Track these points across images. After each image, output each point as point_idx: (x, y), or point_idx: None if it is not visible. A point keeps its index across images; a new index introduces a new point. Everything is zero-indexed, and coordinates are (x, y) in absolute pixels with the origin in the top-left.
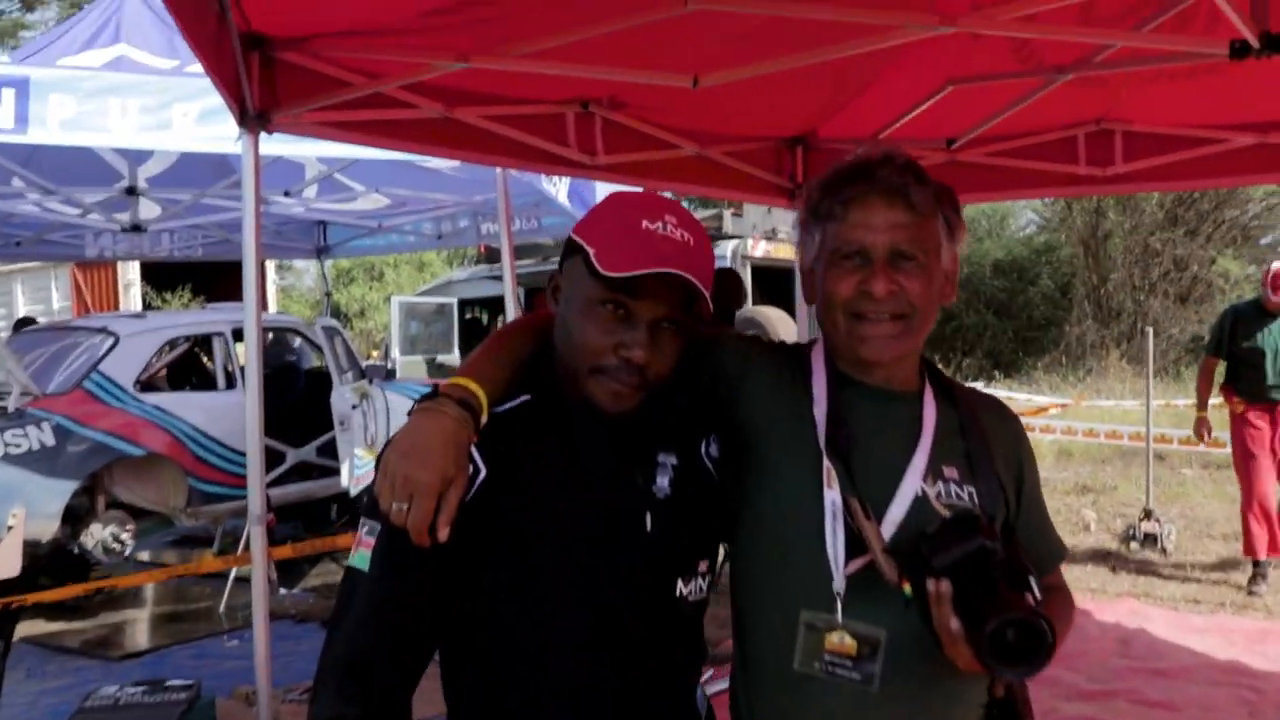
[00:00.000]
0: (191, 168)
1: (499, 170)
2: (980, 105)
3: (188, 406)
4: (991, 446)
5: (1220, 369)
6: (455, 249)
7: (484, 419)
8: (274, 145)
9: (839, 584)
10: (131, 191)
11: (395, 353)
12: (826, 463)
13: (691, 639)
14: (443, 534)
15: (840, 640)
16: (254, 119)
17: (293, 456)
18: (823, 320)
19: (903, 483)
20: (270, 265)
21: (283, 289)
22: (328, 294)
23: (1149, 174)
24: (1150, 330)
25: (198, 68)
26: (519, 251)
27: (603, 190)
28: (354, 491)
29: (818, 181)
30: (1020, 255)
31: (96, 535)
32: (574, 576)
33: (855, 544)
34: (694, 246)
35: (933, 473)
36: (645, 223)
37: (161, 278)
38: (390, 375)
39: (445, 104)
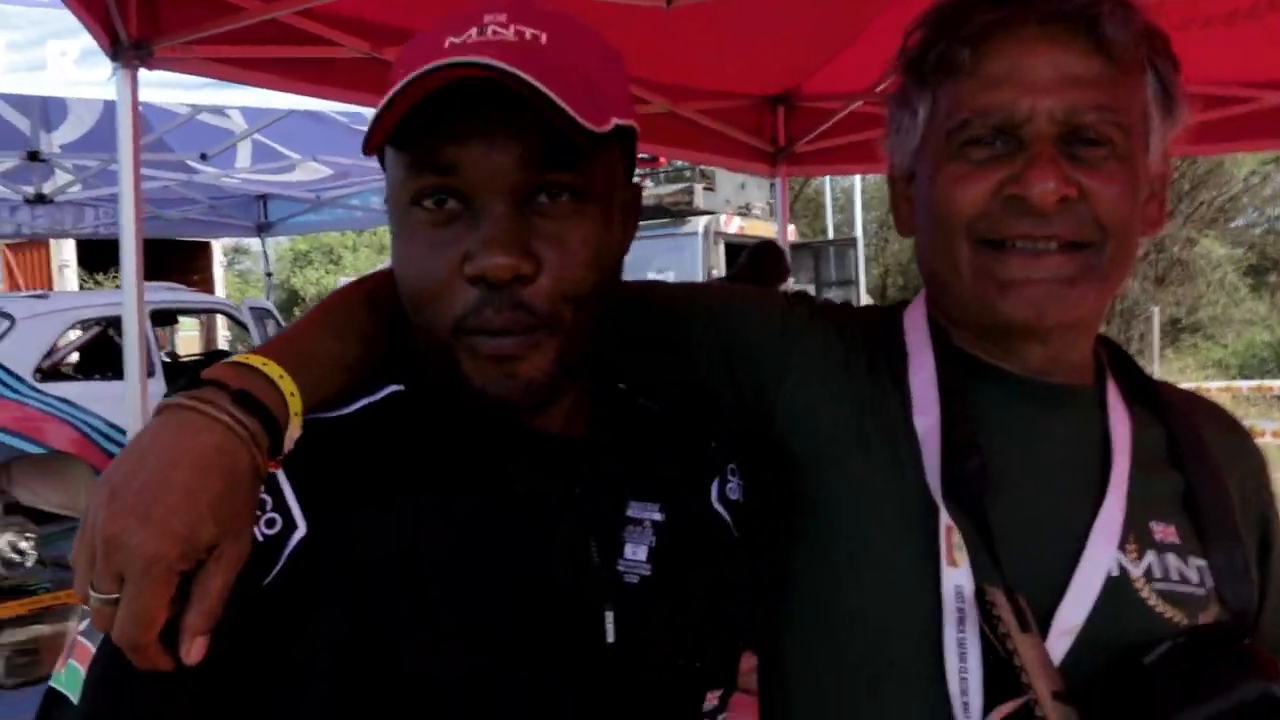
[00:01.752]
0: (109, 132)
1: None
2: None
3: (98, 398)
4: (1227, 486)
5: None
6: None
7: (293, 429)
8: (164, 91)
9: None
10: (35, 157)
11: None
12: (944, 518)
13: None
14: (190, 652)
15: None
16: (129, 50)
17: None
18: (929, 259)
19: (1084, 556)
20: (218, 247)
21: (238, 273)
22: (269, 274)
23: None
24: (1155, 311)
25: None
26: None
27: None
28: None
29: (928, 12)
30: None
31: None
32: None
33: (1000, 672)
34: (547, 44)
35: (1135, 535)
36: (450, 38)
37: (98, 258)
38: None
39: (372, 43)
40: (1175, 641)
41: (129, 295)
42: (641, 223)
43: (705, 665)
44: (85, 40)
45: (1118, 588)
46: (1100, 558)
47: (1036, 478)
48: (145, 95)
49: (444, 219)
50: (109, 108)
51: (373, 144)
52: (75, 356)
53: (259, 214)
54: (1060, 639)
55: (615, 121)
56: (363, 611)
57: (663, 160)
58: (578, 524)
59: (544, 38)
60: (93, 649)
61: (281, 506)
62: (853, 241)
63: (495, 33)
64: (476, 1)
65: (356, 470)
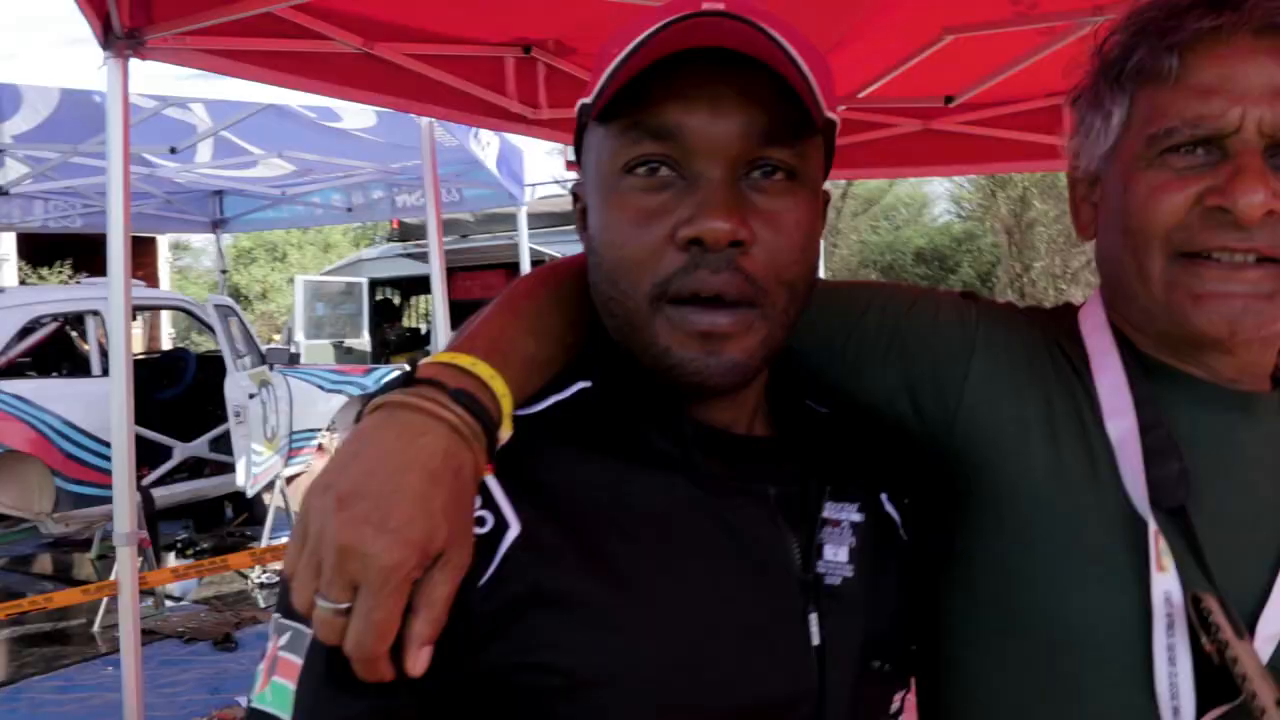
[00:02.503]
0: (65, 124)
1: (425, 122)
2: (980, 61)
3: (55, 396)
4: None
5: None
6: (363, 229)
7: (504, 431)
8: (149, 83)
9: None
10: None
11: (299, 336)
12: (1153, 525)
13: None
14: (416, 663)
15: None
16: (122, 39)
17: (180, 452)
18: (1115, 265)
19: None
20: (163, 242)
21: (179, 269)
22: (224, 271)
23: None
24: None
25: None
26: None
27: (534, 162)
28: (251, 491)
29: (1126, 18)
30: (941, 244)
31: None
32: None
33: (1211, 678)
34: (777, 28)
35: None
36: (667, 19)
37: (39, 252)
38: (294, 360)
39: (364, 37)
40: None
41: (116, 290)
42: None
43: (894, 667)
44: (63, 30)
45: None
46: None
47: (1232, 483)
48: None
49: (656, 186)
50: (66, 97)
51: (599, 106)
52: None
53: (214, 210)
54: (1265, 645)
55: (829, 114)
56: (572, 616)
57: None
58: (782, 519)
59: (765, 24)
60: (297, 662)
61: (491, 504)
62: None
63: (718, 11)
64: None
65: (554, 467)
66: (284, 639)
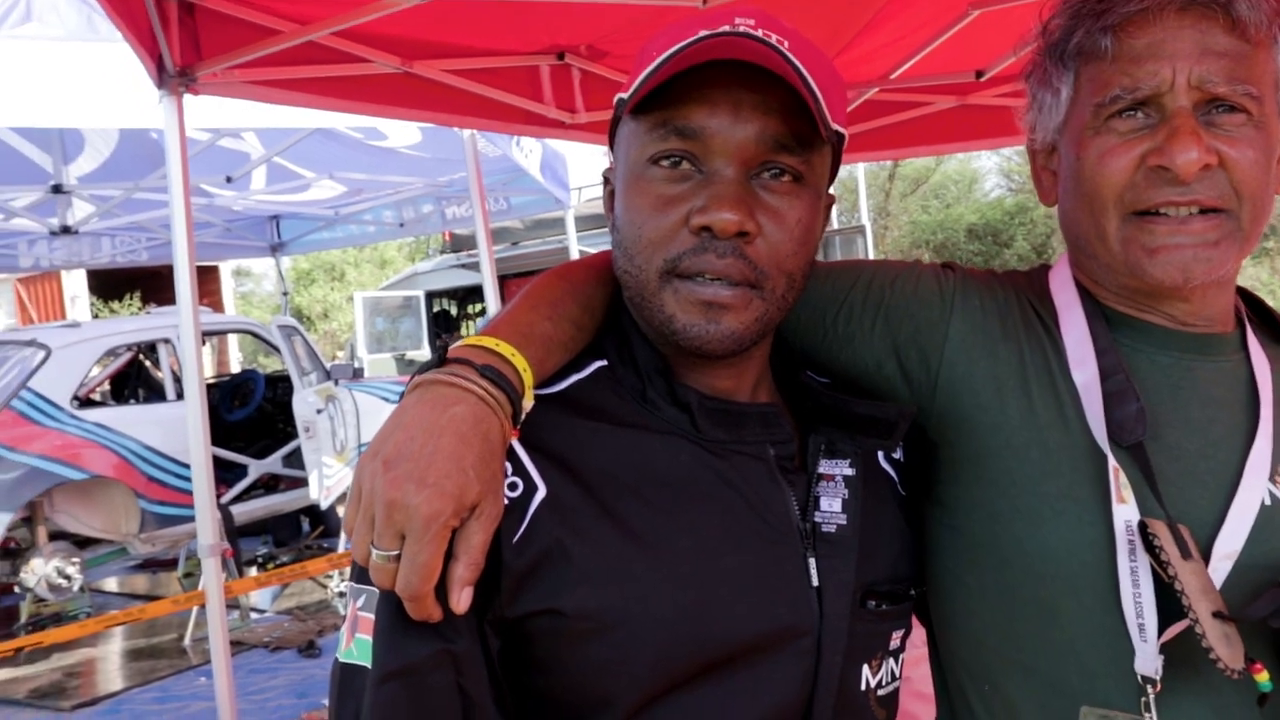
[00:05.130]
0: (125, 162)
1: (467, 134)
2: (1008, 34)
3: (134, 422)
4: None
5: None
6: (417, 243)
7: (527, 400)
8: (203, 116)
9: (1150, 664)
10: (58, 190)
11: (361, 351)
12: (1111, 461)
13: None
14: (460, 602)
15: None
16: (175, 78)
17: (255, 469)
18: (1075, 227)
19: (1240, 489)
20: (226, 270)
21: (242, 295)
22: (285, 293)
23: None
24: None
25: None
26: None
27: (577, 164)
28: (325, 503)
29: (1064, 2)
30: (993, 218)
31: (39, 571)
32: (692, 681)
33: (1165, 598)
34: (792, 46)
35: None
36: (704, 30)
37: (109, 287)
38: (358, 375)
39: (402, 57)
40: None
41: (185, 317)
42: None
43: (891, 607)
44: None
45: (1271, 515)
46: (1254, 489)
47: (1189, 419)
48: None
49: (678, 177)
50: (125, 137)
51: (636, 100)
52: (108, 383)
53: (272, 234)
54: (1221, 564)
55: (837, 127)
56: (596, 572)
57: None
58: (779, 475)
59: (786, 43)
60: (370, 618)
61: (521, 471)
62: (860, 229)
63: (746, 32)
64: (724, 7)
65: (575, 436)
66: (360, 600)
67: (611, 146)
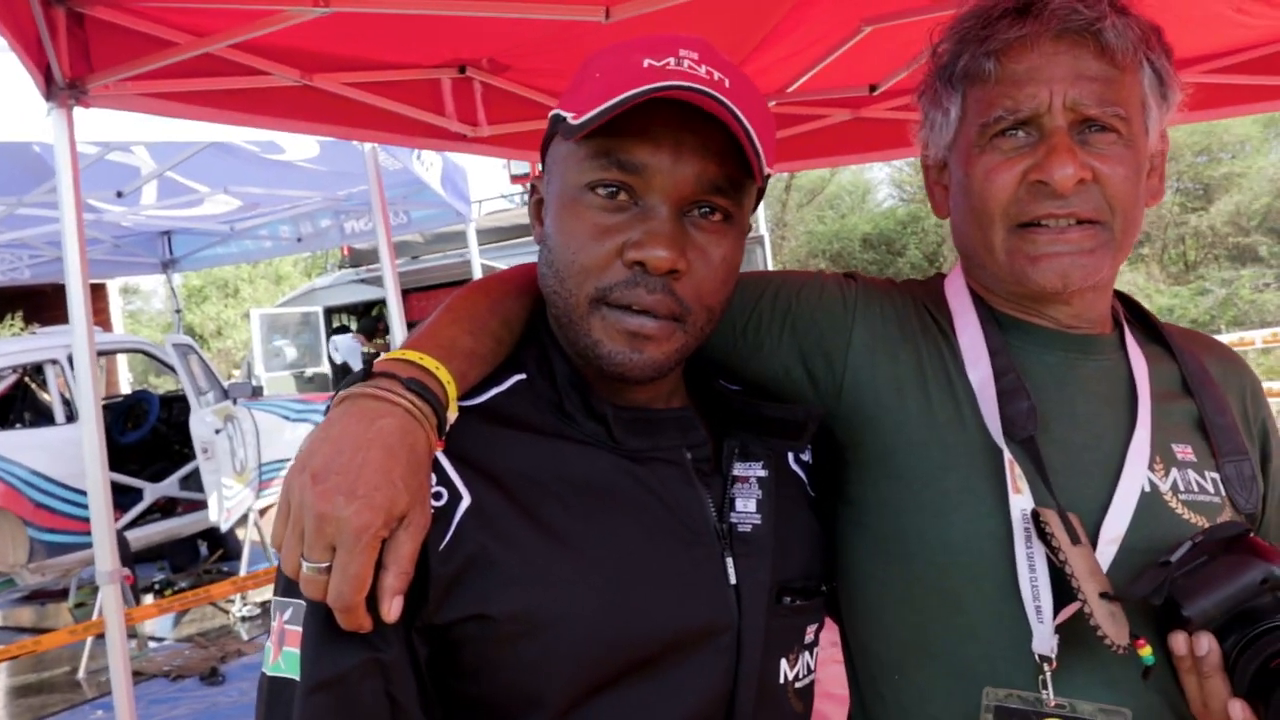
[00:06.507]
0: (5, 176)
1: (368, 148)
2: (900, 50)
3: (21, 447)
4: (1230, 407)
5: None
6: (313, 258)
7: (452, 412)
8: (92, 129)
9: (1045, 643)
10: None
11: (259, 369)
12: (1007, 454)
13: None
14: (390, 611)
15: None
16: (65, 90)
17: (151, 492)
18: (966, 238)
19: (1122, 478)
20: (114, 287)
21: (130, 313)
22: (178, 311)
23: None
24: None
25: None
26: None
27: (478, 177)
28: (225, 525)
29: (951, 28)
30: (886, 228)
31: None
32: (618, 679)
33: (1058, 581)
34: (732, 87)
35: (1161, 455)
36: (648, 60)
37: None
38: (257, 393)
39: (302, 70)
40: (1194, 540)
41: (79, 337)
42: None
43: (805, 602)
44: None
45: (1150, 501)
46: (1135, 477)
47: (1075, 414)
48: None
49: (614, 208)
50: (4, 151)
51: (584, 132)
52: None
53: (163, 250)
54: (1107, 548)
55: (767, 170)
56: (516, 577)
57: None
58: (694, 480)
59: (727, 82)
60: (297, 631)
61: (445, 480)
62: (760, 240)
63: (690, 68)
64: (667, 35)
65: (497, 447)
66: (287, 614)
67: (543, 159)
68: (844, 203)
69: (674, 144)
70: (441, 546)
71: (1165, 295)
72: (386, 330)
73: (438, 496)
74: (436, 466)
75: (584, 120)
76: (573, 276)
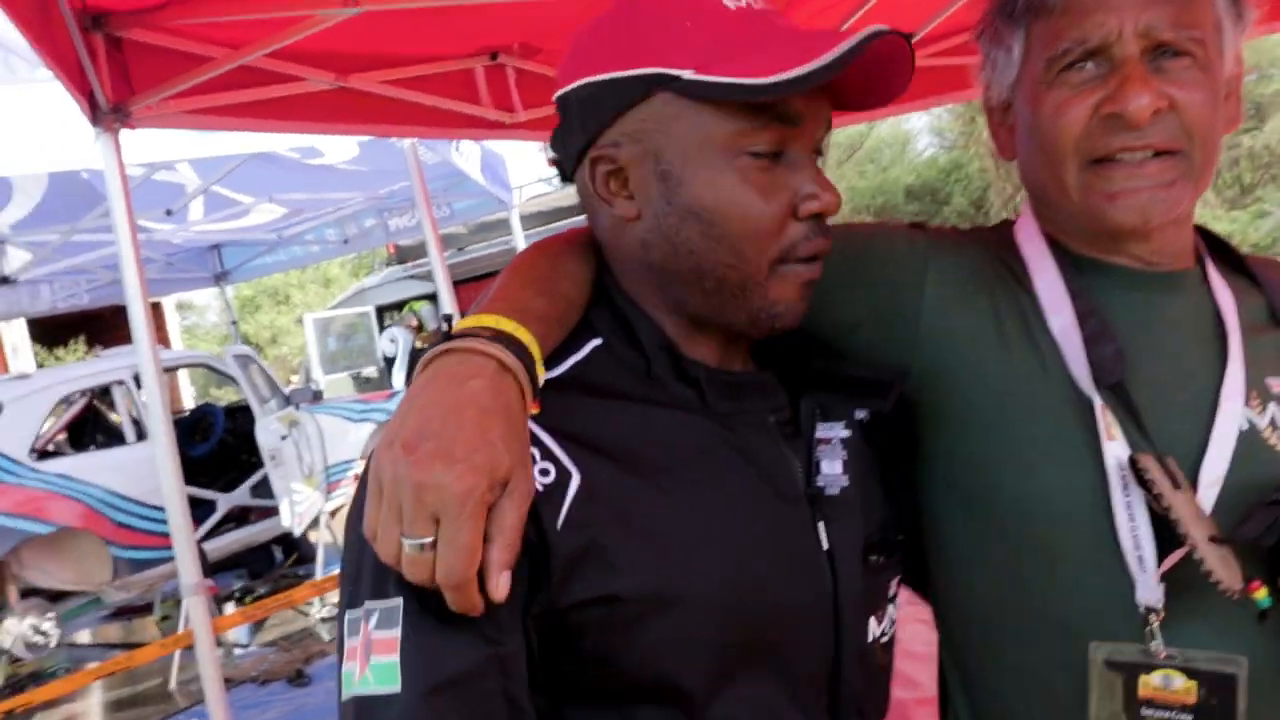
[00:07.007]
0: (58, 204)
1: (408, 144)
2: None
3: (97, 468)
4: None
5: None
6: (360, 259)
7: (542, 374)
8: (136, 151)
9: (1151, 593)
10: None
11: (316, 373)
12: (1098, 401)
13: (884, 706)
14: (498, 588)
15: (1165, 683)
16: (110, 114)
17: (224, 503)
18: (1036, 180)
19: (1218, 417)
20: (169, 304)
21: (186, 328)
22: (234, 322)
23: None
24: None
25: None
26: None
27: (516, 163)
28: (298, 531)
29: None
30: (930, 178)
31: (13, 631)
32: (750, 651)
33: (1160, 529)
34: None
35: (1256, 391)
36: (726, 2)
37: (50, 333)
38: (318, 397)
39: (337, 72)
40: None
41: (145, 355)
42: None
43: (889, 559)
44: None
45: (1249, 440)
46: (1231, 415)
47: (1162, 354)
48: (89, 164)
49: (767, 167)
50: (55, 180)
51: (774, 95)
52: (65, 432)
53: (215, 263)
54: (1208, 491)
55: None
56: (620, 557)
57: None
58: (779, 447)
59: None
60: (394, 635)
61: (549, 456)
62: None
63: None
64: None
65: (590, 418)
66: (374, 620)
67: (602, 126)
68: (884, 155)
69: (810, 106)
70: (559, 524)
71: (1223, 221)
72: (421, 326)
73: (545, 474)
74: (537, 442)
75: (773, 82)
76: (750, 242)
